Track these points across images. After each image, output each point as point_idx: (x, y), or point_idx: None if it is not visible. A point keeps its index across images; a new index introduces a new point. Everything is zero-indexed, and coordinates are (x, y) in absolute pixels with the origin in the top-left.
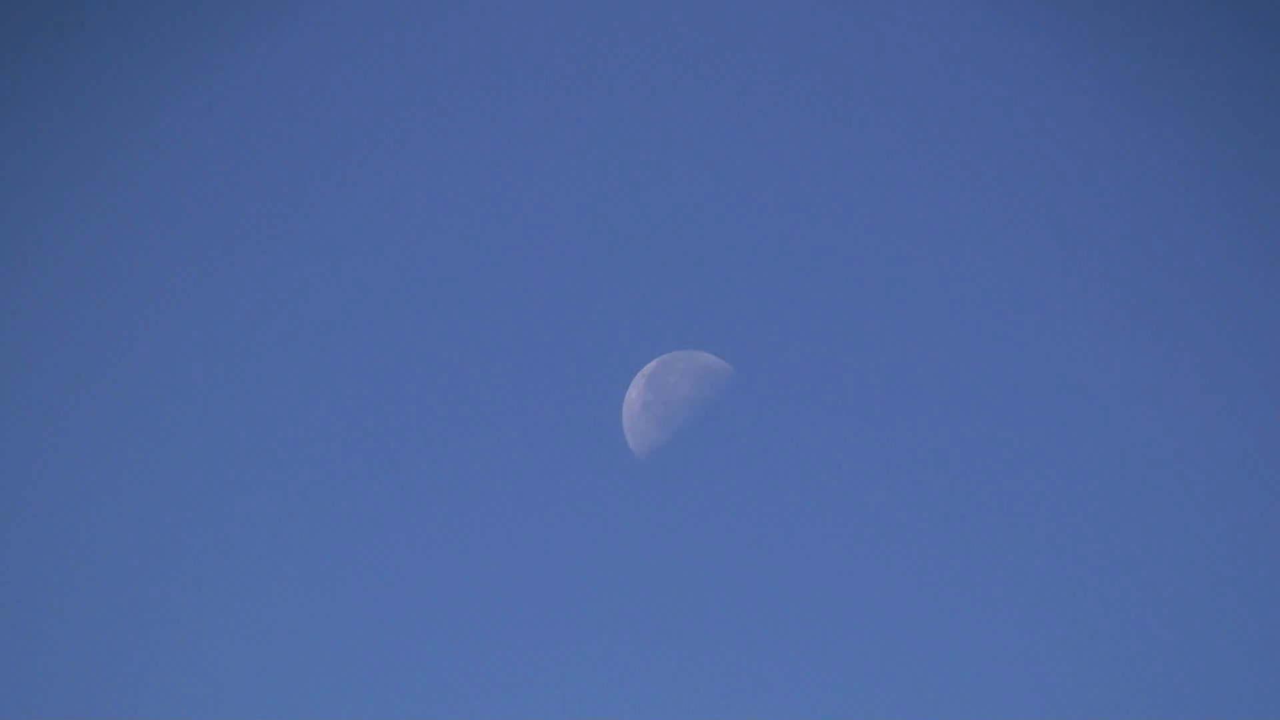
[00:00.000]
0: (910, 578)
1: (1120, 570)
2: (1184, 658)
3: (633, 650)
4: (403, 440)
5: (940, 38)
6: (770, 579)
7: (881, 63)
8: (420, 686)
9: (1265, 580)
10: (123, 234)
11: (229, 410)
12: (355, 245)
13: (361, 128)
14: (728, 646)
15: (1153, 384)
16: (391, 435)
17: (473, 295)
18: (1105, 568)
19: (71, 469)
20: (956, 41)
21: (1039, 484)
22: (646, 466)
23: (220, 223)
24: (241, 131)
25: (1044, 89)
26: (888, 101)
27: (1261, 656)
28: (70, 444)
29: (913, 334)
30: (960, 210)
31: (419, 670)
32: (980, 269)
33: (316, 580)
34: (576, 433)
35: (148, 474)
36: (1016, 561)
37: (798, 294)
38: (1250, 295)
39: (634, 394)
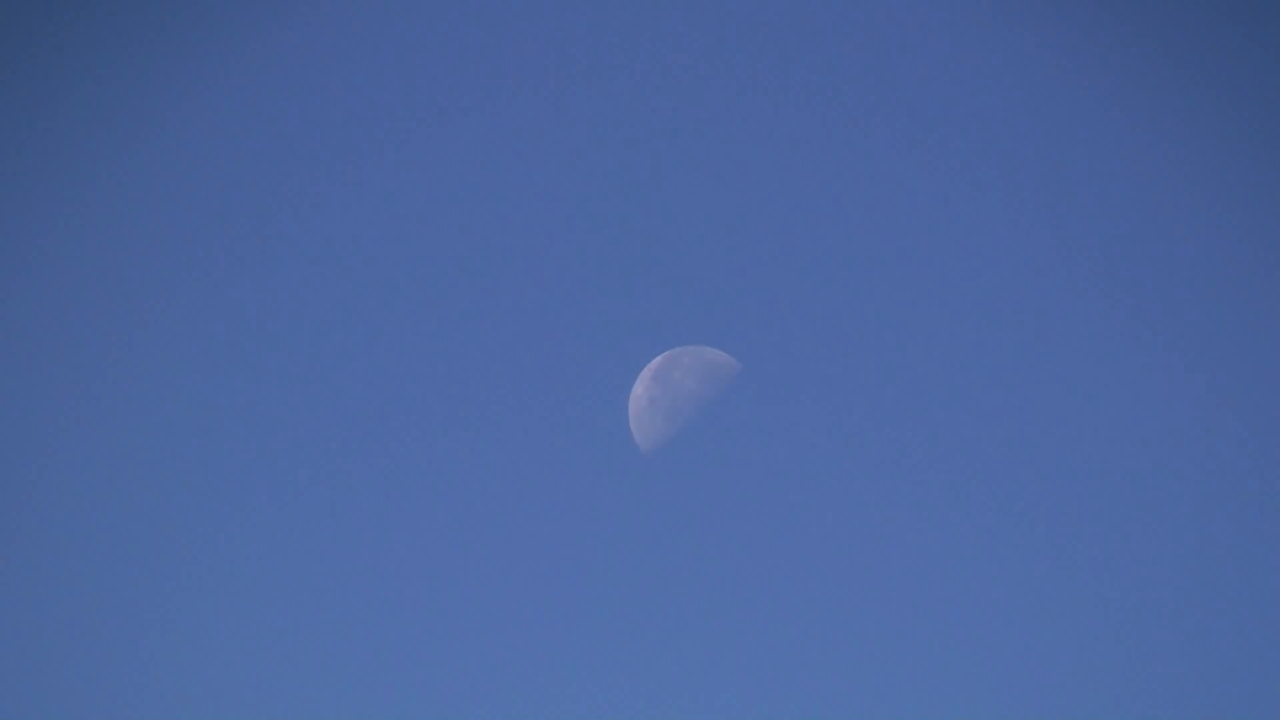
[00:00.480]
0: (915, 572)
1: (1130, 567)
2: (1184, 657)
3: (639, 643)
4: (410, 436)
5: (947, 35)
6: (776, 573)
7: (889, 60)
8: (428, 682)
9: (1265, 580)
10: (122, 234)
11: (237, 405)
12: (363, 244)
13: (370, 124)
14: (734, 640)
15: (1155, 383)
16: (399, 431)
17: (479, 291)
18: (1121, 566)
19: (71, 469)
20: (963, 39)
21: (1043, 477)
22: (652, 461)
23: (233, 221)
24: (243, 131)
25: (1044, 89)
26: (896, 101)
27: (1262, 656)
28: (70, 444)
29: (918, 329)
30: (967, 206)
31: (427, 666)
32: (986, 264)
33: (325, 577)
34: (583, 427)
35: (148, 474)
36: (1020, 552)
37: (802, 289)
38: (1250, 295)
39: (640, 389)
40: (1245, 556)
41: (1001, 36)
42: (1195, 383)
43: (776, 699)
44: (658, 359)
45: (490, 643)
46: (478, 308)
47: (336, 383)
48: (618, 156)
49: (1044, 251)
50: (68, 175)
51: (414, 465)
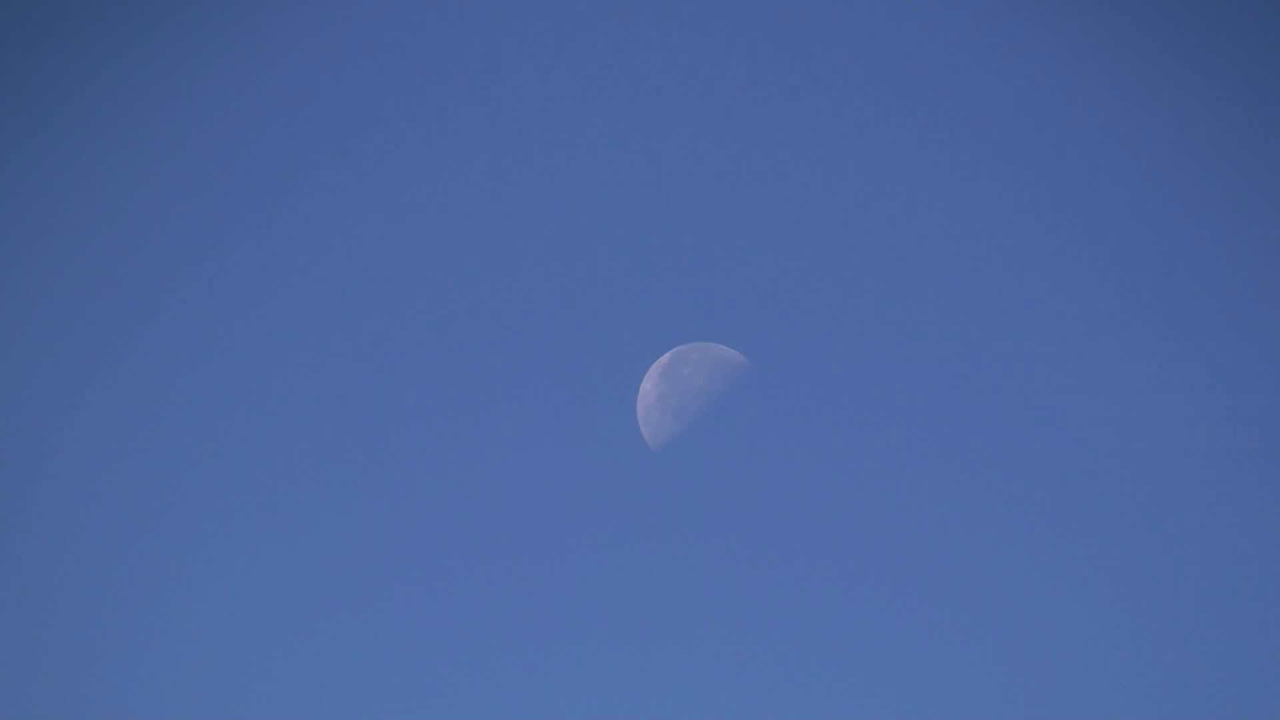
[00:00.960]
0: (925, 569)
1: (1132, 566)
2: (1184, 657)
3: (648, 639)
4: (420, 434)
5: (951, 33)
6: (784, 569)
7: (894, 60)
8: (438, 679)
9: (1265, 580)
10: (123, 234)
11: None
12: (373, 243)
13: (378, 122)
14: (743, 636)
15: (1159, 383)
16: (408, 429)
17: (488, 289)
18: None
19: (71, 469)
20: (966, 39)
21: (1052, 474)
22: (661, 458)
23: (244, 219)
24: (245, 131)
25: (1046, 89)
26: (905, 100)
27: (1262, 656)
28: (70, 444)
29: (926, 327)
30: (975, 205)
31: (438, 663)
32: (994, 262)
33: (335, 574)
34: (591, 424)
35: (149, 474)
36: (1033, 548)
37: (811, 285)
38: (1251, 295)
39: (648, 386)
40: (1245, 556)
41: (1009, 35)
42: (1195, 383)
43: (787, 695)
44: (666, 355)
45: (500, 639)
46: (486, 305)
47: (345, 382)
48: (626, 154)
49: (1055, 249)
50: (68, 175)
51: (424, 463)
